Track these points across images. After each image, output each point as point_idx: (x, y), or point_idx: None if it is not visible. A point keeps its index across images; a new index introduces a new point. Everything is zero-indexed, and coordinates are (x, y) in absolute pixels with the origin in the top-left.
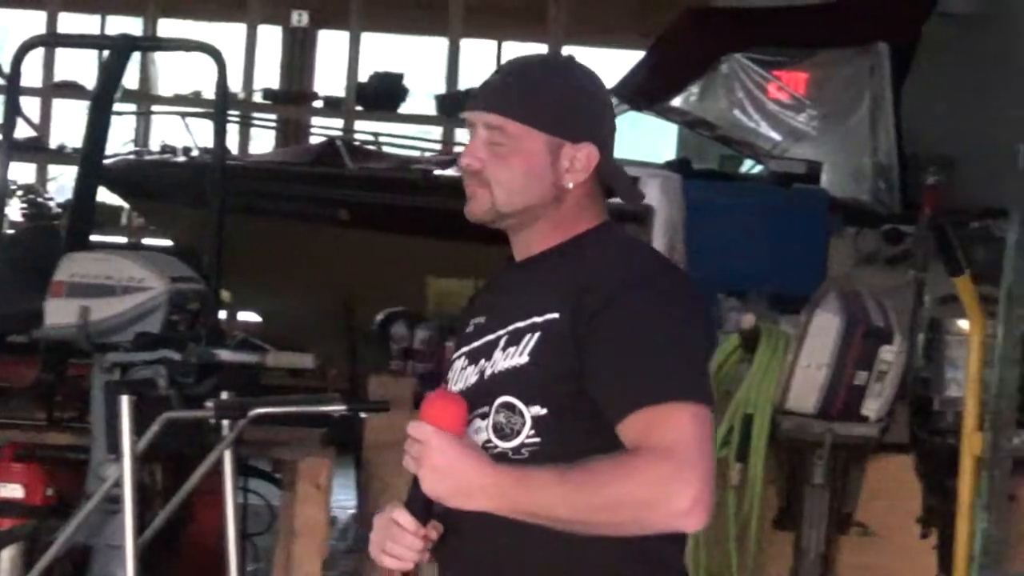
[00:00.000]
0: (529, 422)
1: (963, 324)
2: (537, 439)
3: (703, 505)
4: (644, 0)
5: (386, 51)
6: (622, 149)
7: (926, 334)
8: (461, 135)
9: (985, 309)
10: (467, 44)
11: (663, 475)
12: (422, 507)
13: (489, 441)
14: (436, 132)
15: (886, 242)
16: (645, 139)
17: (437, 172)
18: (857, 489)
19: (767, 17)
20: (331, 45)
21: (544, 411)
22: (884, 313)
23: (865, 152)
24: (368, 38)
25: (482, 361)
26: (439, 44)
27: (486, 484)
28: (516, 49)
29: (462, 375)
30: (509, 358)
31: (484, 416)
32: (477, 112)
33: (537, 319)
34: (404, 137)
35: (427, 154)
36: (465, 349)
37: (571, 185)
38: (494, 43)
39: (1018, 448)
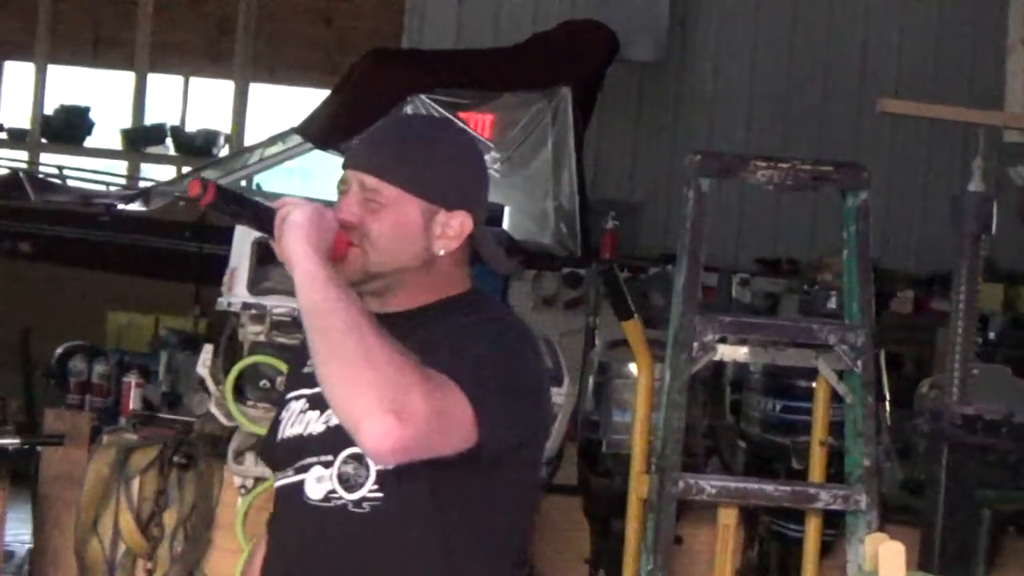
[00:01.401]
0: (373, 476)
1: (632, 368)
2: (380, 493)
3: (393, 442)
4: (331, 39)
5: (72, 84)
6: (310, 189)
7: (595, 377)
8: (146, 170)
9: (656, 354)
10: (154, 79)
11: (408, 394)
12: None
13: (334, 491)
14: (122, 166)
15: (565, 285)
16: (330, 179)
17: (121, 206)
18: None
19: (452, 59)
20: (16, 77)
21: (391, 466)
22: (555, 356)
23: (547, 196)
24: (54, 71)
25: (329, 410)
26: (126, 78)
27: (322, 253)
28: (202, 85)
29: (302, 418)
30: None
31: (328, 465)
32: (354, 171)
33: None
34: (89, 171)
35: (112, 188)
36: (306, 392)
37: (442, 252)
38: (181, 79)
39: (683, 491)
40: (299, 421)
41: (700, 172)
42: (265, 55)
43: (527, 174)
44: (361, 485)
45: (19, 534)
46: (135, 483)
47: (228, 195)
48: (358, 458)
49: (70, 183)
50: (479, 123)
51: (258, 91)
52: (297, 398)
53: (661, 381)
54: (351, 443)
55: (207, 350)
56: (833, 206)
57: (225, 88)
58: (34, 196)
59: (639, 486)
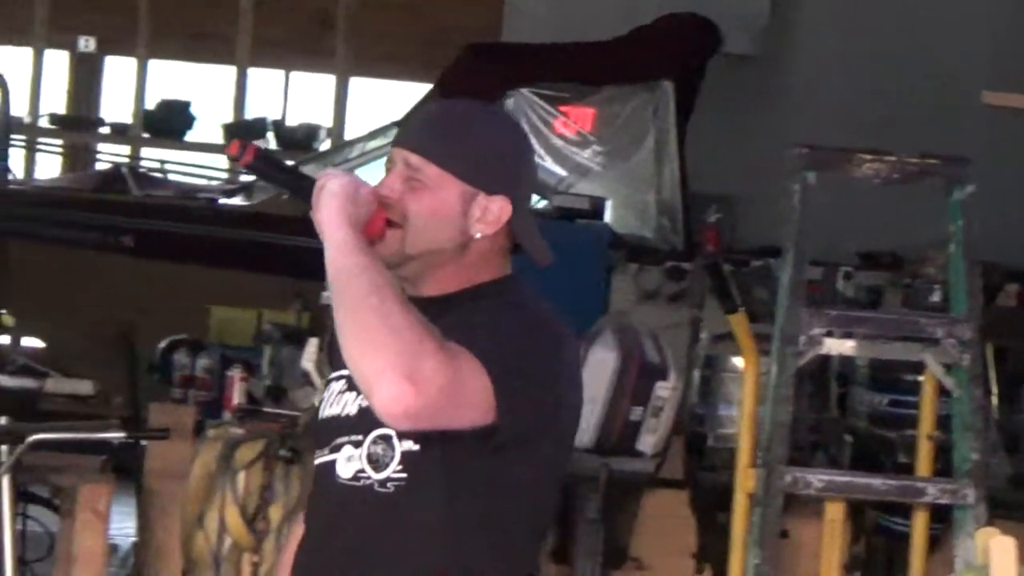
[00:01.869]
0: (398, 456)
1: (738, 361)
2: (404, 474)
3: (405, 407)
4: (428, 33)
5: (173, 78)
6: None
7: (701, 371)
8: None
9: (761, 347)
10: (254, 73)
11: (423, 361)
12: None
13: (362, 471)
14: (223, 160)
15: (668, 279)
16: None
17: (222, 201)
18: (632, 524)
19: (551, 52)
20: (118, 71)
21: (416, 447)
22: (659, 349)
23: (649, 189)
24: (155, 65)
25: None
26: (227, 72)
27: (355, 224)
28: (303, 79)
29: (340, 399)
30: None
31: (358, 444)
32: (400, 148)
33: None
34: (190, 165)
35: (213, 183)
36: (345, 373)
37: (479, 235)
38: (281, 72)
39: (790, 485)
40: (337, 402)
41: (805, 165)
42: (365, 49)
43: (628, 167)
44: (387, 465)
45: (124, 527)
46: (241, 477)
47: (267, 158)
48: (386, 439)
49: (171, 177)
50: (580, 117)
51: (358, 85)
52: (338, 378)
53: (767, 375)
54: (381, 424)
55: (312, 344)
56: (923, 198)
57: (325, 82)
58: (136, 190)
59: (745, 480)
